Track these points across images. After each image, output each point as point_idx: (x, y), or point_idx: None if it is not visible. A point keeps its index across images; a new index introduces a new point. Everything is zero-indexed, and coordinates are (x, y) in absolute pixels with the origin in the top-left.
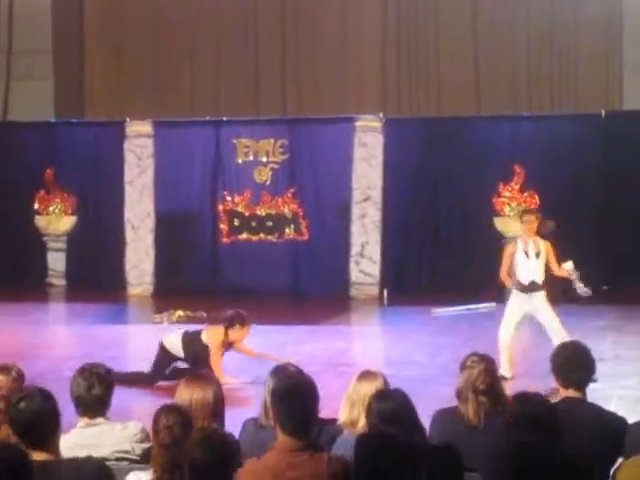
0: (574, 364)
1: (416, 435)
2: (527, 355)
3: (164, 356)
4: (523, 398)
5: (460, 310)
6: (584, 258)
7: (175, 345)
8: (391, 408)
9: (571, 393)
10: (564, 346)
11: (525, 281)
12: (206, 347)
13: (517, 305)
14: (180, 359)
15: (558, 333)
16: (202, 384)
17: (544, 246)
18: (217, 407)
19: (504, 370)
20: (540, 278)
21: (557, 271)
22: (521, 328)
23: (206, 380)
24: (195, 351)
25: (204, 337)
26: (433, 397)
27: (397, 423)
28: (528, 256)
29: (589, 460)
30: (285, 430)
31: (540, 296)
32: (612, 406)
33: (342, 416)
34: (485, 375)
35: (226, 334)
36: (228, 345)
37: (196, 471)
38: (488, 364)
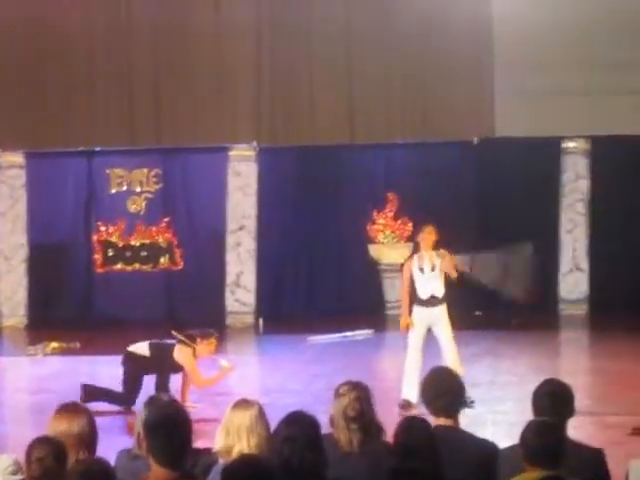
0: (440, 391)
1: (318, 457)
2: None
3: (131, 364)
4: (407, 424)
5: (336, 338)
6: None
7: (141, 348)
8: (289, 433)
9: (442, 421)
10: (429, 374)
11: (423, 296)
12: (175, 362)
13: (419, 321)
14: (145, 358)
15: (450, 352)
16: (69, 416)
17: (440, 257)
18: (84, 438)
19: (408, 395)
20: (439, 292)
21: (453, 273)
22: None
23: (74, 411)
24: (163, 357)
25: (176, 355)
26: None
27: (293, 447)
28: (423, 271)
29: None
30: (159, 461)
31: (440, 310)
32: (487, 431)
33: (217, 444)
34: (356, 402)
35: (194, 353)
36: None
37: None
38: (360, 392)
